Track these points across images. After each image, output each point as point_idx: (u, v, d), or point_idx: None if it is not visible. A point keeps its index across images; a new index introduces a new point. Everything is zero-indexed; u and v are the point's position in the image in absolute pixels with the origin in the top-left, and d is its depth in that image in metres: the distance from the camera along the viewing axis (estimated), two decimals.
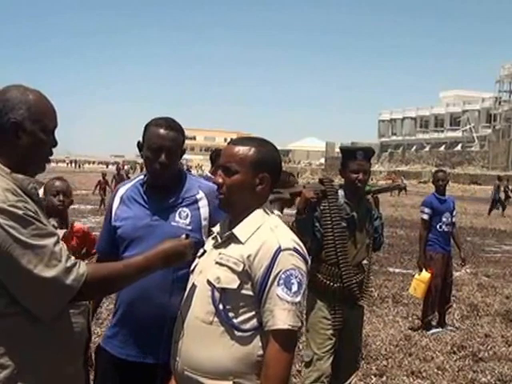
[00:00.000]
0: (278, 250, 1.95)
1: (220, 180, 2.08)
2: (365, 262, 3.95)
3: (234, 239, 2.05)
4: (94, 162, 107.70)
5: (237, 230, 2.05)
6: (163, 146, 2.46)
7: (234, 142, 2.14)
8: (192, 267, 2.19)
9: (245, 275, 1.96)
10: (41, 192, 2.20)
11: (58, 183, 3.76)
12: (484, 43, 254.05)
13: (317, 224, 3.70)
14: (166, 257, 1.97)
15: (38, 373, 1.74)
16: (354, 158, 3.72)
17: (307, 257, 2.06)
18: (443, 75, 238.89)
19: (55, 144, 1.90)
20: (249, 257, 1.97)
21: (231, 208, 2.12)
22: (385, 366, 5.29)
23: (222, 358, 1.96)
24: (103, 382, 2.62)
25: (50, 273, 1.67)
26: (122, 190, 2.65)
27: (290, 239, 2.01)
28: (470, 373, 5.14)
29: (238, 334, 1.96)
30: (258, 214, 2.08)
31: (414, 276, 6.88)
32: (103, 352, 2.58)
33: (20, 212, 1.66)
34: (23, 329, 1.71)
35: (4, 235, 1.63)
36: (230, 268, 1.98)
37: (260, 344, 1.97)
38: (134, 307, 2.47)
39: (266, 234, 2.01)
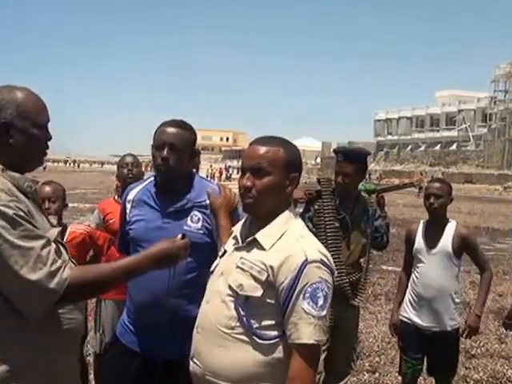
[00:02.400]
0: (305, 263, 1.88)
1: (249, 183, 1.99)
2: (361, 260, 3.92)
3: (256, 245, 1.99)
4: (94, 162, 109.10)
5: (260, 237, 1.99)
6: (166, 142, 2.47)
7: (259, 143, 2.04)
8: (213, 267, 2.16)
9: (268, 284, 1.91)
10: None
11: (46, 188, 3.53)
12: (479, 43, 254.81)
13: (309, 223, 3.67)
14: (156, 259, 1.97)
15: (35, 367, 1.75)
16: (336, 159, 3.74)
17: (334, 268, 1.98)
18: (439, 75, 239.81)
19: (49, 138, 1.93)
20: (272, 267, 1.91)
21: (259, 210, 2.03)
22: (377, 362, 5.30)
23: (244, 364, 1.93)
24: (111, 370, 2.65)
25: (34, 276, 1.68)
26: (132, 194, 2.66)
27: (316, 250, 1.94)
28: (462, 369, 5.12)
29: (259, 341, 1.92)
30: (283, 219, 2.02)
31: None
32: (118, 341, 2.62)
33: (11, 212, 1.68)
34: (20, 324, 1.72)
35: None
36: (252, 276, 1.93)
37: (282, 352, 1.92)
38: (144, 307, 2.49)
39: (292, 244, 1.94)
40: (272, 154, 1.98)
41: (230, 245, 2.13)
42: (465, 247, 3.87)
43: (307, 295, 1.87)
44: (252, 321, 1.92)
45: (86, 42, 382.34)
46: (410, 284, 3.97)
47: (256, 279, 1.92)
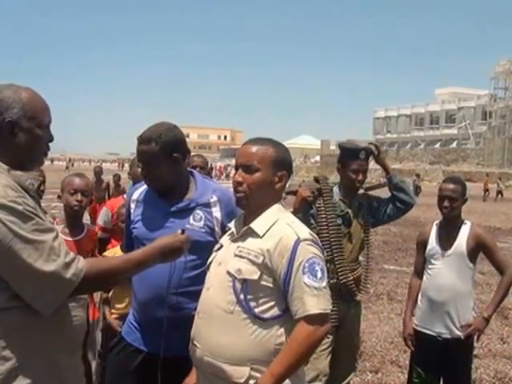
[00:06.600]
0: (298, 241, 2.06)
1: (240, 178, 2.17)
2: (361, 258, 3.94)
3: (251, 233, 2.15)
4: (89, 161, 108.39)
5: (254, 225, 2.15)
6: (142, 161, 2.56)
7: (251, 142, 2.23)
8: (209, 260, 2.29)
9: (264, 267, 2.07)
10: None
11: (77, 181, 3.48)
12: (479, 40, 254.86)
13: (312, 221, 3.71)
14: (163, 252, 2.03)
15: (38, 365, 1.77)
16: (356, 157, 3.74)
17: (322, 247, 2.19)
18: (438, 72, 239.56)
19: (51, 139, 1.94)
20: (268, 250, 2.07)
21: (249, 204, 2.20)
22: (380, 362, 5.32)
23: (242, 346, 2.06)
24: (113, 368, 2.69)
25: (49, 267, 1.69)
26: (136, 193, 2.70)
27: (306, 231, 2.14)
28: None
29: (258, 322, 2.06)
30: (274, 209, 2.19)
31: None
32: (122, 340, 2.67)
33: (20, 207, 1.69)
34: (24, 322, 1.73)
35: (5, 230, 1.65)
36: (250, 260, 2.09)
37: (278, 333, 2.07)
38: (147, 304, 2.55)
39: (284, 228, 2.11)
40: (261, 153, 2.17)
41: (226, 239, 2.28)
42: (480, 247, 3.69)
43: (306, 270, 2.03)
44: (251, 303, 2.07)
45: (82, 37, 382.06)
46: (421, 288, 3.84)
47: (253, 263, 2.08)
